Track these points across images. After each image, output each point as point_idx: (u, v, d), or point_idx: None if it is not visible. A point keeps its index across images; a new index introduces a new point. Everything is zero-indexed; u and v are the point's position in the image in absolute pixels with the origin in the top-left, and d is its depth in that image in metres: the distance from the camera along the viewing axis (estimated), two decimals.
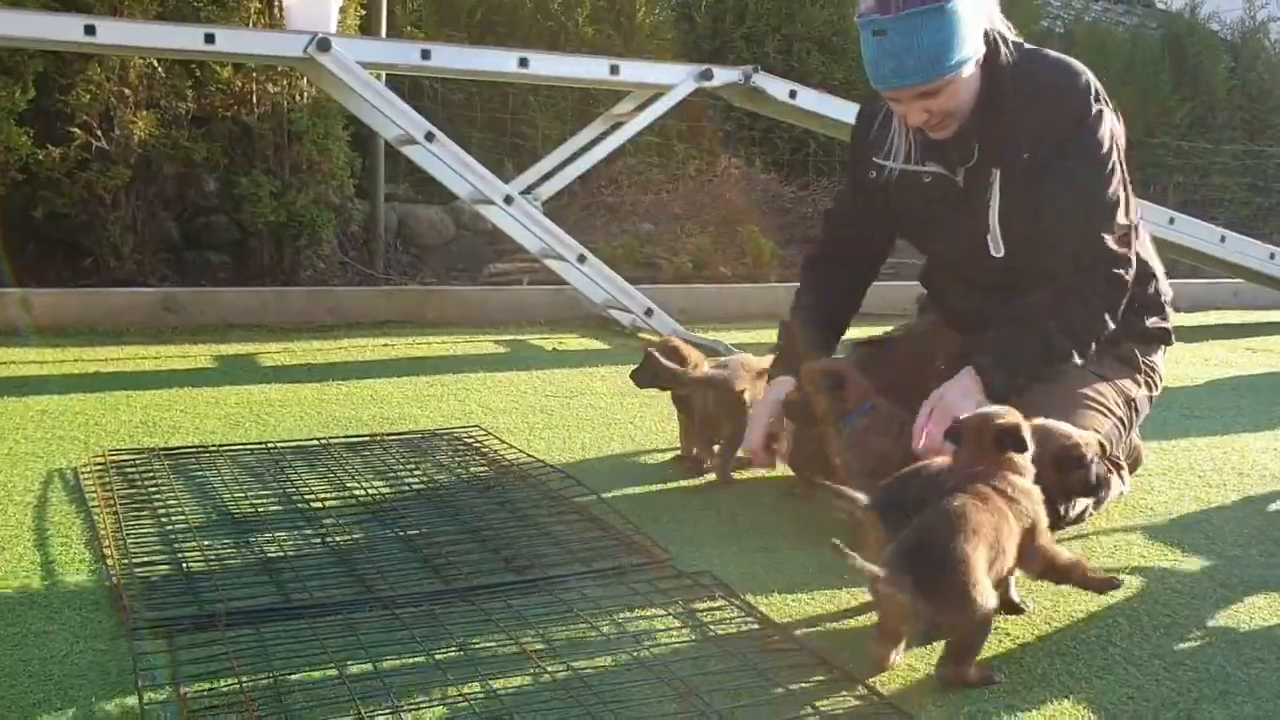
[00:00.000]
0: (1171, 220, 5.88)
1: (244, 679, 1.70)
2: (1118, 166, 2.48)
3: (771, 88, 5.30)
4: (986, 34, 2.43)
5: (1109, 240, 2.44)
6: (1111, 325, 2.47)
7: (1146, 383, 2.70)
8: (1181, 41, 8.85)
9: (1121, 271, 2.46)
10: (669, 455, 3.08)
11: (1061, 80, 2.49)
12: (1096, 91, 2.48)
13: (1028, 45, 2.57)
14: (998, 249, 2.53)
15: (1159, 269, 2.75)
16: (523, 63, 4.88)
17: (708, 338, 4.75)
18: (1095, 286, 2.46)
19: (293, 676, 1.73)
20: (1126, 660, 1.87)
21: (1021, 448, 1.93)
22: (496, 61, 4.98)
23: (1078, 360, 2.45)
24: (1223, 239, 6.04)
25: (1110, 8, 10.22)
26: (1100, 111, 2.47)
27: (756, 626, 1.96)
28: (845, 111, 5.48)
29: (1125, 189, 2.49)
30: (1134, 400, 2.65)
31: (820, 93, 5.64)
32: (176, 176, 5.50)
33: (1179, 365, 4.77)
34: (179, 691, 1.67)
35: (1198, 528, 2.57)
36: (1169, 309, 2.76)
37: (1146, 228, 2.74)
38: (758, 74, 5.26)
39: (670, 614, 2.00)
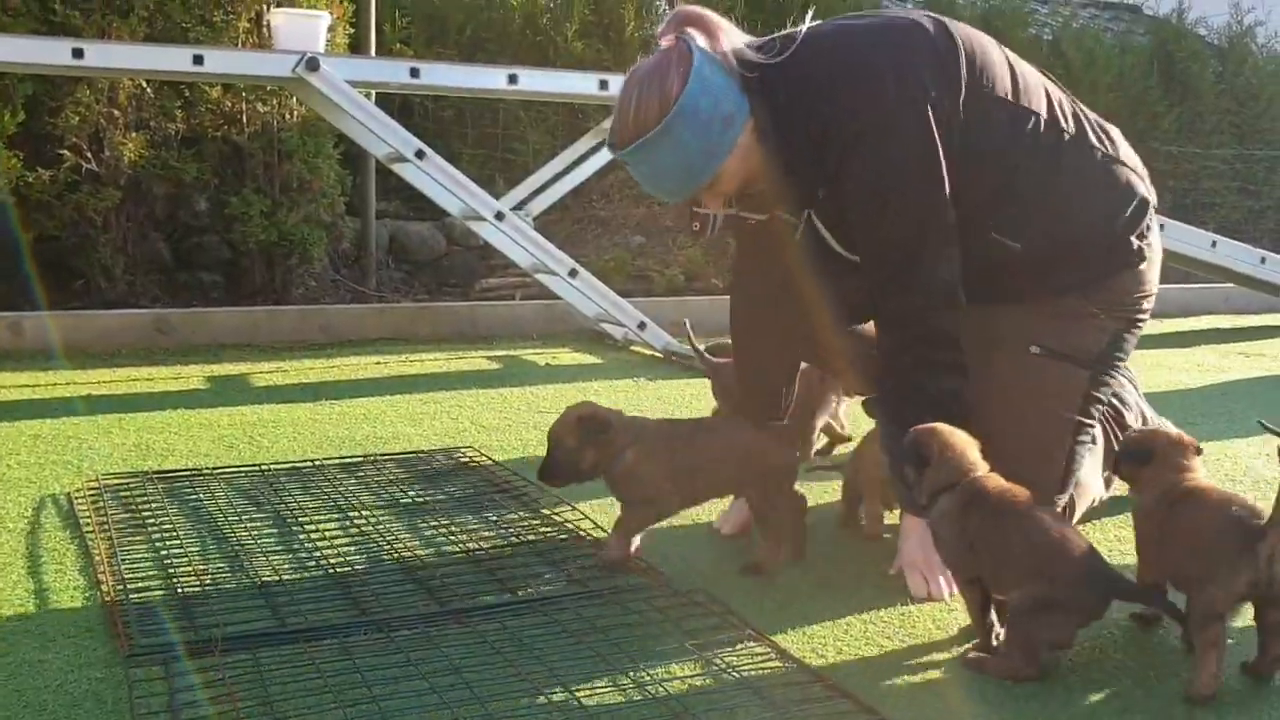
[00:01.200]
0: (1162, 227, 5.90)
1: (240, 705, 1.70)
2: (921, 177, 2.10)
3: None
4: (744, 79, 2.12)
5: (915, 292, 2.14)
6: (954, 357, 2.17)
7: (1119, 317, 2.29)
8: (1169, 48, 8.89)
9: (937, 319, 2.15)
10: None
11: (838, 93, 2.13)
12: (890, 89, 2.09)
13: (810, 33, 2.18)
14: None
15: (1134, 176, 2.32)
16: (512, 79, 4.90)
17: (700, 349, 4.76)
18: (914, 347, 2.18)
19: (288, 703, 1.73)
20: (1121, 673, 1.88)
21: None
22: (486, 78, 5.00)
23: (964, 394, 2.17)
24: (1214, 244, 6.06)
25: (1098, 15, 10.27)
26: (890, 116, 2.09)
27: (752, 643, 1.96)
28: None
29: (940, 205, 2.11)
30: (1100, 359, 2.28)
31: None
32: (167, 197, 5.50)
33: (1171, 371, 4.79)
34: (175, 718, 1.66)
35: None
36: (1149, 226, 2.32)
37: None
38: None
39: (667, 633, 2.01)
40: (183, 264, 5.72)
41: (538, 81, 5.09)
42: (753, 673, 1.85)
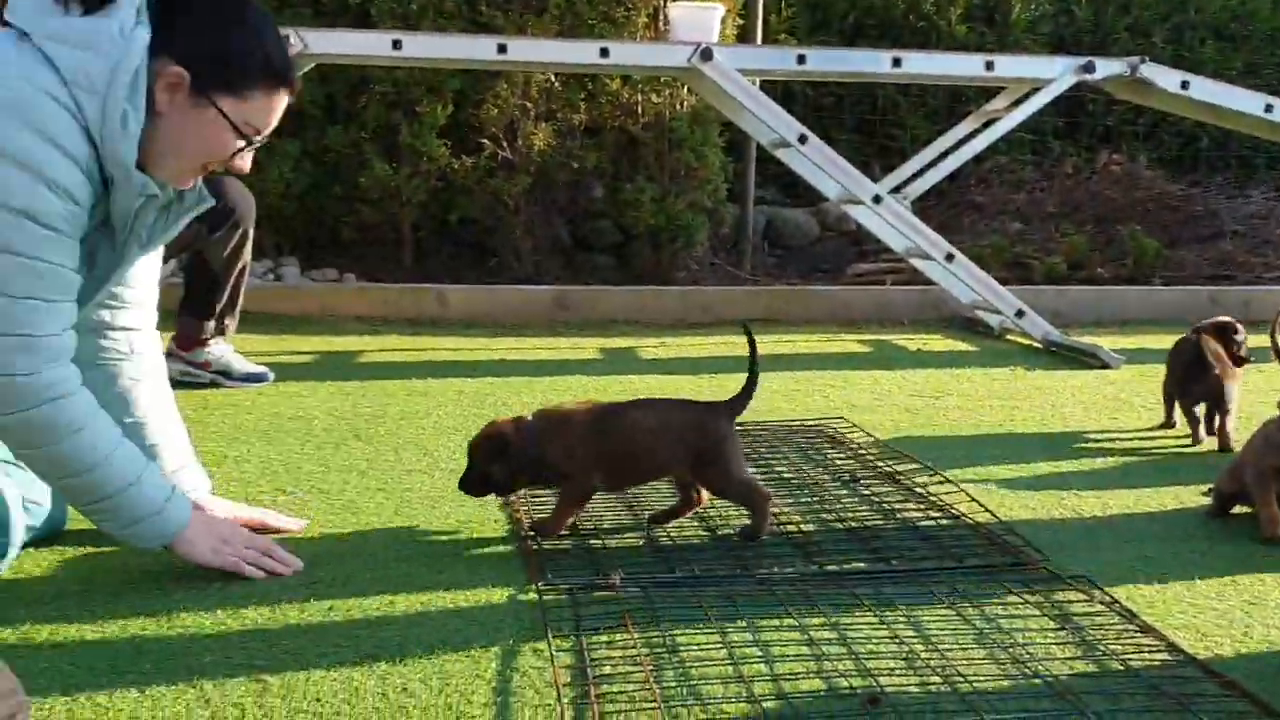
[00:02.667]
0: None
1: (636, 634, 1.89)
2: None
3: (1161, 79, 4.98)
4: None
5: None
6: None
7: None
8: None
9: None
10: (1041, 459, 3.02)
11: None
12: None
13: None
14: None
15: None
16: (896, 62, 4.89)
17: (1085, 342, 4.56)
18: None
19: (679, 636, 1.89)
20: None
21: None
22: (870, 62, 5.02)
23: None
24: None
25: None
26: None
27: (1138, 633, 1.91)
28: (1246, 102, 5.07)
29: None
30: None
31: (1217, 83, 5.24)
32: (568, 183, 5.97)
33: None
34: (581, 640, 1.87)
35: None
36: None
37: None
38: (1145, 64, 4.97)
39: (1045, 615, 1.99)
40: (580, 245, 6.20)
41: (922, 64, 5.05)
42: (1140, 663, 1.80)
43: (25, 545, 2.18)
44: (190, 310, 3.66)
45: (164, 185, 2.01)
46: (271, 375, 3.78)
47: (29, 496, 2.18)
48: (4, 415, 1.90)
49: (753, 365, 2.38)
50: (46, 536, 2.26)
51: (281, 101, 2.04)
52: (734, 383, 3.93)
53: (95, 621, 1.93)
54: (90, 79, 1.85)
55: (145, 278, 2.31)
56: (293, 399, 3.57)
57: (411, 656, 1.82)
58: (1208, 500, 2.64)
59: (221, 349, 3.71)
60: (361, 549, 2.29)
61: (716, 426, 2.32)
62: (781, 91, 6.67)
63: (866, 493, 2.69)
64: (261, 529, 2.30)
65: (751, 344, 2.39)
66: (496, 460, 2.30)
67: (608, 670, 1.77)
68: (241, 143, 2.01)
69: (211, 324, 3.66)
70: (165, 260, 3.39)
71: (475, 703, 1.67)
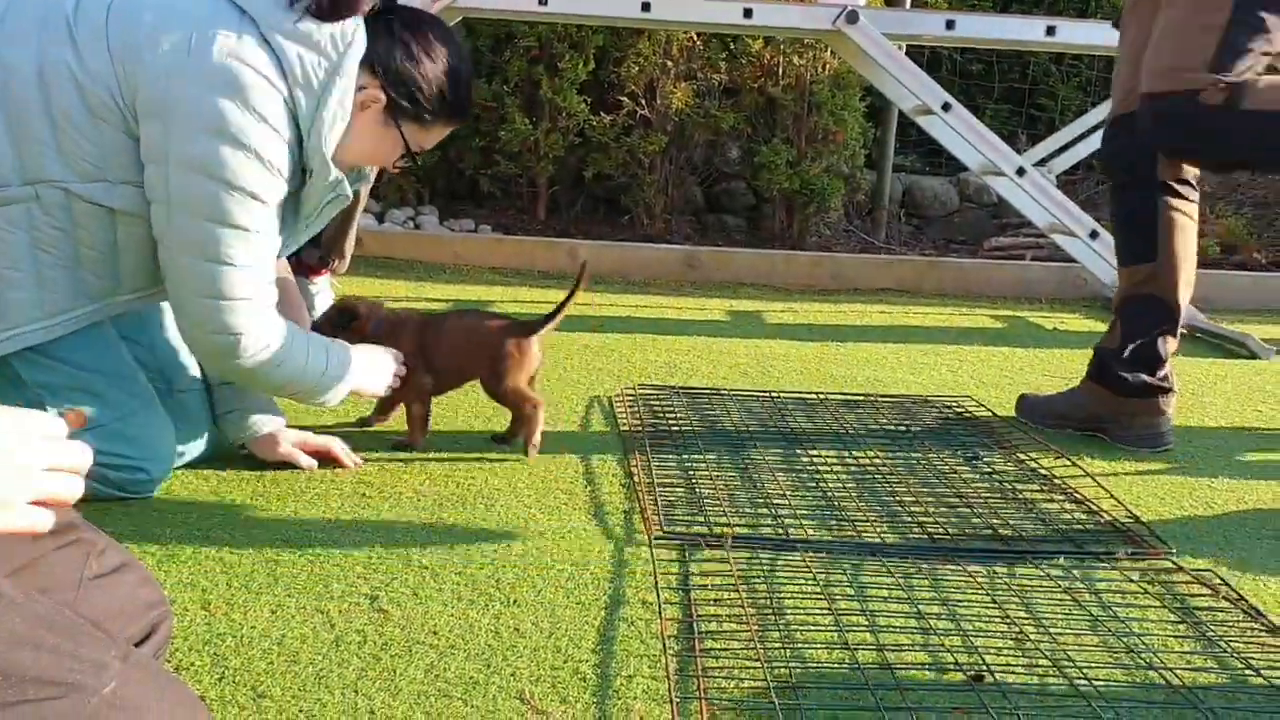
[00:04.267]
0: None
1: (744, 593, 1.91)
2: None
3: None
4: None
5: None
6: None
7: None
8: None
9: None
10: (1176, 448, 2.92)
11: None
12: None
13: None
14: None
15: None
16: (1050, 30, 4.72)
17: (1234, 330, 4.37)
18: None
19: (787, 601, 1.91)
20: None
21: None
22: (1021, 29, 4.86)
23: None
24: None
25: None
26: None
27: (1264, 633, 1.85)
28: None
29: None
30: None
31: None
32: (705, 143, 5.96)
33: None
34: (689, 595, 1.91)
35: None
36: None
37: None
38: None
39: (1165, 606, 1.94)
40: (713, 206, 6.19)
41: (1078, 33, 4.86)
42: (1262, 663, 1.75)
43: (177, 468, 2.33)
44: None
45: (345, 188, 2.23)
46: None
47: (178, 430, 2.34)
48: (236, 364, 2.15)
49: (566, 299, 2.57)
50: (194, 462, 2.41)
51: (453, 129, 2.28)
52: (862, 352, 3.93)
53: (235, 544, 2.05)
54: (308, 76, 2.02)
55: None
56: None
57: (525, 599, 1.88)
58: None
59: (319, 285, 3.76)
60: (484, 492, 2.37)
61: (506, 341, 2.53)
62: (928, 57, 6.50)
63: (987, 470, 2.65)
64: (326, 456, 2.48)
65: (576, 284, 2.58)
66: (340, 330, 2.51)
67: (713, 627, 1.80)
68: (404, 158, 2.25)
69: (315, 253, 3.71)
70: None
71: (584, 648, 1.73)
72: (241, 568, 1.95)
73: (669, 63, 5.64)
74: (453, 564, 2.01)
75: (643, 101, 5.65)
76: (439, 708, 1.54)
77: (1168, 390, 2.91)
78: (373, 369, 2.41)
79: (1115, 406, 2.93)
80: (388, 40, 2.12)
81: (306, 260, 3.76)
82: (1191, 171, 2.85)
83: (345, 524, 2.17)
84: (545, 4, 4.50)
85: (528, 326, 2.58)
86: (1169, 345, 2.92)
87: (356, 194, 3.69)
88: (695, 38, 5.68)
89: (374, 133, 2.17)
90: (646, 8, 4.52)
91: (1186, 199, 2.84)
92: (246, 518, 2.18)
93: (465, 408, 2.95)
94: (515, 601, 1.87)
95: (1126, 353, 2.91)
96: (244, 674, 1.61)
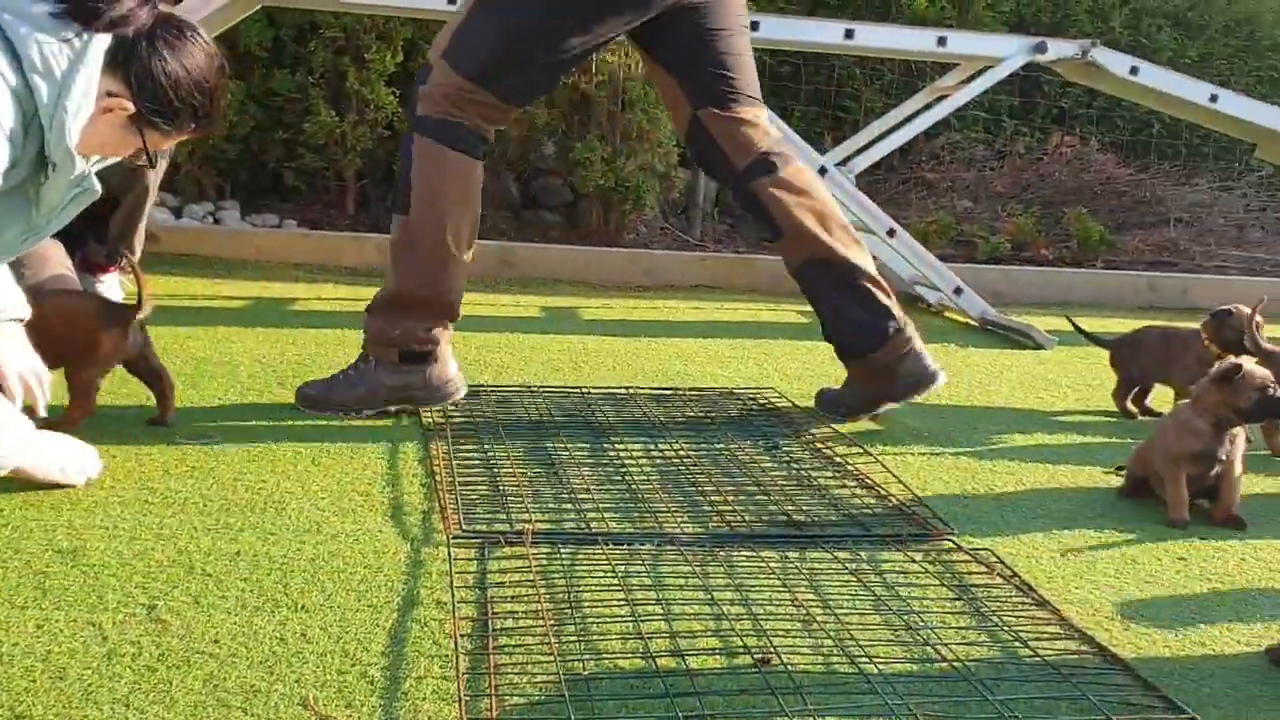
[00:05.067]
0: None
1: (542, 588, 1.90)
2: None
3: (1110, 63, 5.03)
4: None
5: None
6: None
7: None
8: None
9: None
10: (962, 434, 3.07)
11: None
12: None
13: None
14: None
15: None
16: (848, 34, 4.89)
17: (1021, 322, 4.62)
18: None
19: (584, 595, 1.91)
20: None
21: None
22: (823, 33, 5.01)
23: None
24: None
25: None
26: None
27: (1033, 606, 1.96)
28: (1193, 91, 5.14)
29: None
30: None
31: (1165, 70, 5.30)
32: (519, 140, 5.92)
33: None
34: (485, 593, 1.88)
35: None
36: None
37: None
38: (1097, 48, 5.01)
39: (944, 585, 2.03)
40: (529, 203, 6.16)
41: (875, 37, 5.05)
42: (1031, 635, 1.84)
43: None
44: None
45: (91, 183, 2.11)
46: None
47: None
48: None
49: (139, 291, 2.50)
50: None
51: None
52: (673, 347, 3.98)
53: None
54: (48, 64, 1.91)
55: None
56: (220, 344, 3.54)
57: (314, 603, 1.82)
58: (1120, 480, 2.70)
59: (106, 283, 3.59)
60: (274, 496, 2.28)
61: (93, 323, 2.47)
62: None
63: (786, 459, 2.72)
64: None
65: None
66: None
67: (509, 624, 1.78)
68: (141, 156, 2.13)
69: (101, 249, 3.54)
70: None
71: (373, 650, 1.68)
72: (5, 582, 1.83)
73: None
74: (238, 570, 1.93)
75: None
76: (216, 718, 1.48)
77: (898, 330, 3.03)
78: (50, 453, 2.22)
79: (879, 371, 3.04)
80: (143, 46, 2.01)
81: (93, 258, 3.57)
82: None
83: (124, 533, 2.05)
84: None
85: (121, 310, 2.53)
86: (866, 293, 3.04)
87: (144, 187, 3.53)
88: None
89: (115, 133, 2.07)
90: (453, 0, 4.46)
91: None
92: (13, 528, 2.04)
93: (257, 413, 2.86)
94: (303, 607, 1.81)
95: (841, 324, 3.05)
96: (1, 694, 1.50)
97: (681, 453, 2.72)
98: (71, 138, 1.97)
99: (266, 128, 5.63)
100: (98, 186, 2.12)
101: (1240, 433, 2.48)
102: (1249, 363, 2.50)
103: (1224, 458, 2.45)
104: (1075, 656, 1.78)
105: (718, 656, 1.72)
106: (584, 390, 3.24)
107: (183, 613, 1.77)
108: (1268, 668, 1.79)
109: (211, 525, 2.12)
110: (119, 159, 2.18)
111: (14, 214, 2.07)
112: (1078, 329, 3.53)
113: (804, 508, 2.38)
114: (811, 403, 3.22)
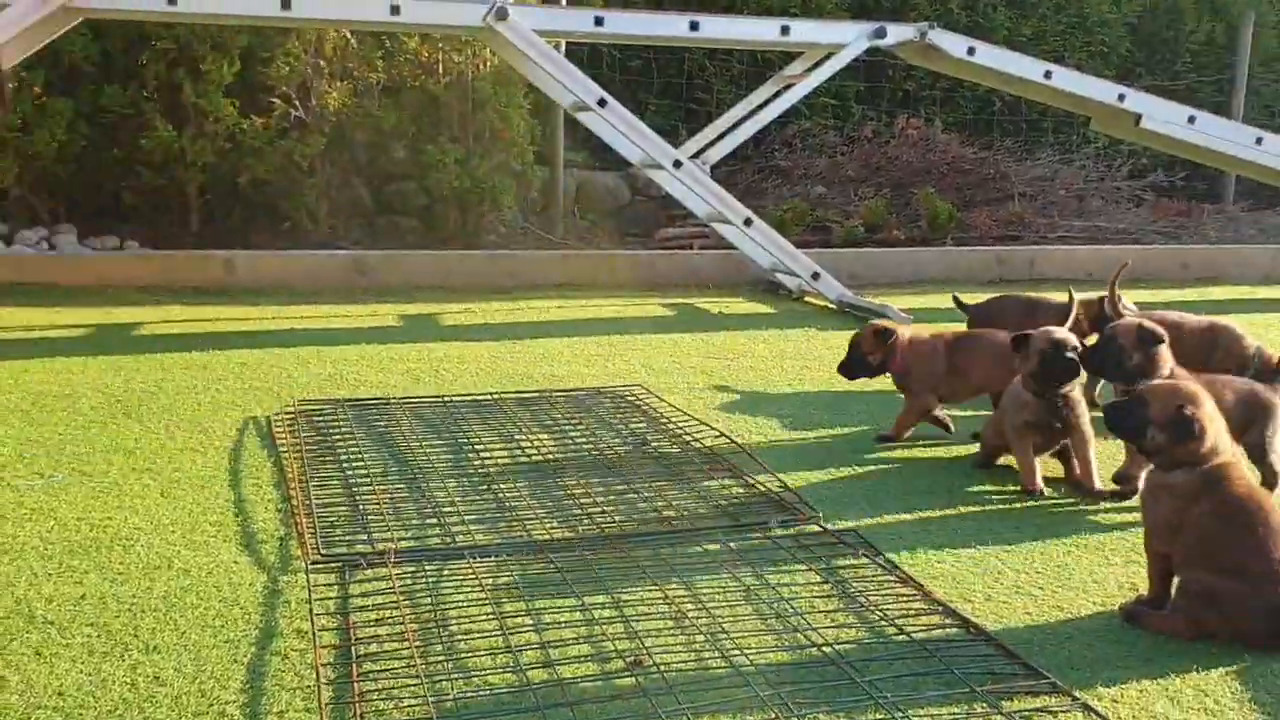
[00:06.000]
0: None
1: (407, 609, 1.85)
2: None
3: (948, 44, 5.18)
4: None
5: None
6: None
7: None
8: None
9: None
10: (827, 419, 3.11)
11: None
12: None
13: None
14: None
15: None
16: (693, 26, 4.92)
17: (876, 302, 4.72)
18: None
19: (451, 612, 1.86)
20: None
21: None
22: (668, 25, 5.03)
23: None
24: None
25: None
26: None
27: (897, 584, 1.98)
28: (1028, 68, 5.32)
29: None
30: None
31: (1001, 49, 5.48)
32: (368, 144, 5.79)
33: None
34: (348, 619, 1.82)
35: None
36: None
37: None
38: (933, 31, 5.15)
39: (813, 570, 2.05)
40: (382, 209, 6.03)
41: (719, 28, 5.09)
42: (896, 612, 1.87)
43: None
44: None
45: None
46: None
47: None
48: None
49: None
50: None
51: None
52: (538, 348, 3.94)
53: None
54: None
55: None
56: (60, 375, 3.36)
57: (167, 643, 1.73)
58: (975, 449, 2.76)
59: None
60: (122, 533, 2.17)
61: None
62: (588, 54, 6.62)
63: (654, 454, 2.71)
64: None
65: None
66: None
67: (373, 649, 1.73)
68: None
69: None
70: None
71: (231, 688, 1.61)
72: None
73: (322, 62, 5.45)
74: (84, 615, 1.82)
75: (296, 103, 5.42)
76: None
77: None
78: None
79: None
80: None
81: None
82: None
83: None
84: (174, 3, 4.20)
85: None
86: None
87: None
88: (348, 35, 5.50)
89: None
90: (286, 5, 4.32)
91: None
92: None
93: (102, 446, 2.72)
94: (155, 648, 1.72)
95: None
96: None
97: (550, 457, 2.69)
98: None
99: (100, 146, 5.38)
100: None
101: (1079, 396, 2.55)
102: (1054, 330, 2.54)
103: (1060, 424, 2.51)
104: (940, 631, 1.81)
105: (589, 663, 1.69)
106: (446, 399, 3.17)
107: (23, 666, 1.66)
108: (1122, 626, 1.86)
109: (53, 570, 2.00)
110: None
111: None
112: (957, 302, 3.50)
113: (674, 503, 2.38)
114: (679, 397, 3.22)
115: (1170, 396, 1.88)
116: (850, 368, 2.93)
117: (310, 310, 4.53)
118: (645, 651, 1.71)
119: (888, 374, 2.94)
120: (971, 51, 5.24)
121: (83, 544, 2.12)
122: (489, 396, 3.22)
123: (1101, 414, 2.02)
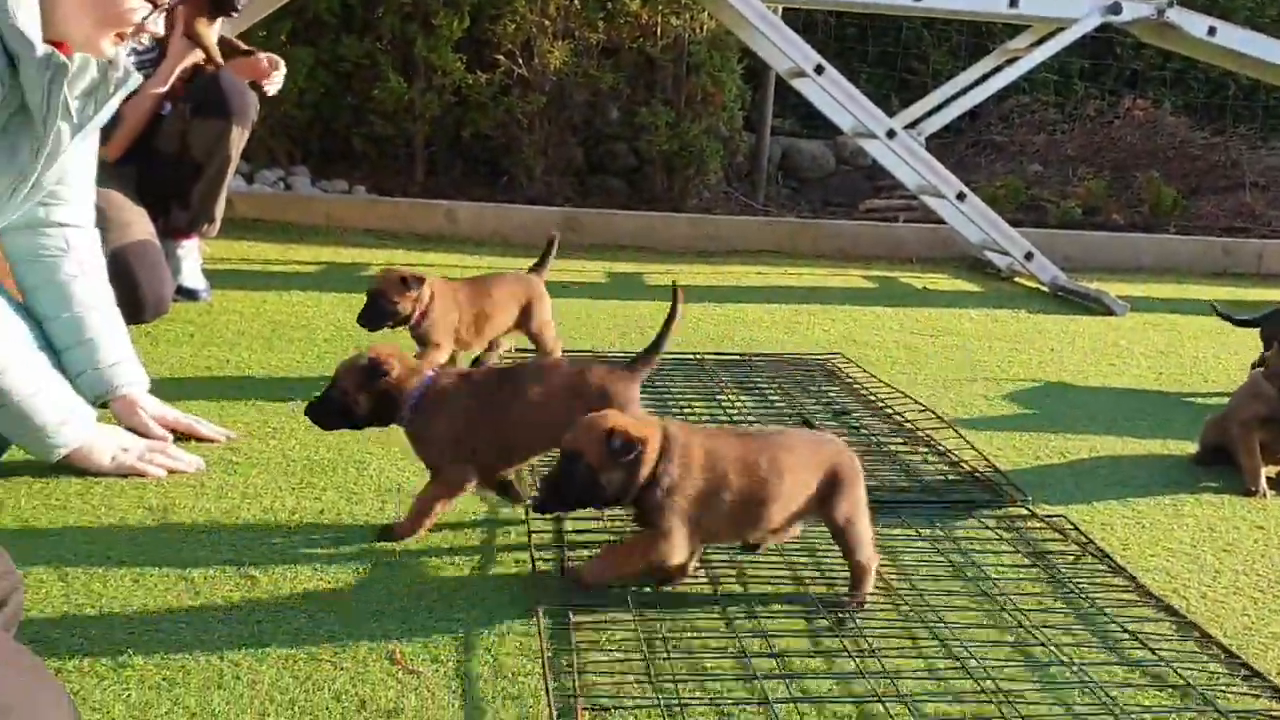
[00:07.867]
0: None
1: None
2: None
3: (1188, 24, 4.91)
4: None
5: None
6: None
7: None
8: None
9: None
10: (1034, 401, 3.05)
11: None
12: None
13: None
14: None
15: None
16: None
17: (1091, 288, 4.55)
18: None
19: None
20: None
21: None
22: None
23: None
24: None
25: None
26: None
27: (1108, 574, 1.95)
28: (1274, 51, 4.99)
29: None
30: None
31: (1245, 30, 5.16)
32: (584, 104, 5.93)
33: None
34: (564, 554, 1.92)
35: None
36: None
37: None
38: (1173, 8, 4.89)
39: (1019, 552, 2.03)
40: (594, 168, 6.17)
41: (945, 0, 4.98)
42: (1107, 602, 1.84)
43: None
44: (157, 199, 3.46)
45: (84, 61, 1.92)
46: (208, 296, 3.65)
47: None
48: None
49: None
50: None
51: None
52: (738, 313, 3.98)
53: (92, 513, 1.99)
54: None
55: (81, 173, 2.29)
56: (295, 307, 3.60)
57: (407, 563, 1.87)
58: (1194, 448, 2.67)
59: (186, 249, 3.62)
60: (356, 456, 2.34)
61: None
62: (803, 20, 6.58)
63: (856, 425, 2.72)
64: (190, 435, 2.37)
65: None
66: None
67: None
68: (145, 6, 1.96)
69: (184, 216, 3.55)
70: (170, 155, 3.38)
71: (456, 605, 1.73)
72: (101, 537, 1.90)
73: (546, 21, 5.59)
74: (325, 527, 1.99)
75: (520, 60, 5.59)
76: (307, 670, 1.53)
77: None
78: (108, 445, 2.19)
79: None
80: None
81: (174, 223, 3.63)
82: None
83: (211, 492, 2.12)
84: None
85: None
86: None
87: (226, 156, 3.57)
88: None
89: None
90: None
91: None
92: (104, 487, 2.11)
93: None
94: (386, 563, 1.86)
95: None
96: (103, 643, 1.56)
97: (749, 420, 2.73)
98: (27, 24, 1.82)
99: (336, 94, 5.69)
100: (134, 73, 1.98)
101: None
102: None
103: None
104: (1152, 626, 1.77)
105: (794, 619, 1.74)
106: None
107: (270, 568, 1.82)
108: None
109: (295, 484, 2.18)
110: (126, 38, 1.99)
111: (20, 131, 1.93)
112: (1218, 312, 3.37)
113: (878, 475, 2.38)
114: (881, 369, 3.21)
115: None
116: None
117: (524, 262, 4.67)
118: (851, 618, 1.74)
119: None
120: (1212, 32, 4.96)
121: (321, 463, 2.29)
122: (692, 356, 3.28)
123: None
